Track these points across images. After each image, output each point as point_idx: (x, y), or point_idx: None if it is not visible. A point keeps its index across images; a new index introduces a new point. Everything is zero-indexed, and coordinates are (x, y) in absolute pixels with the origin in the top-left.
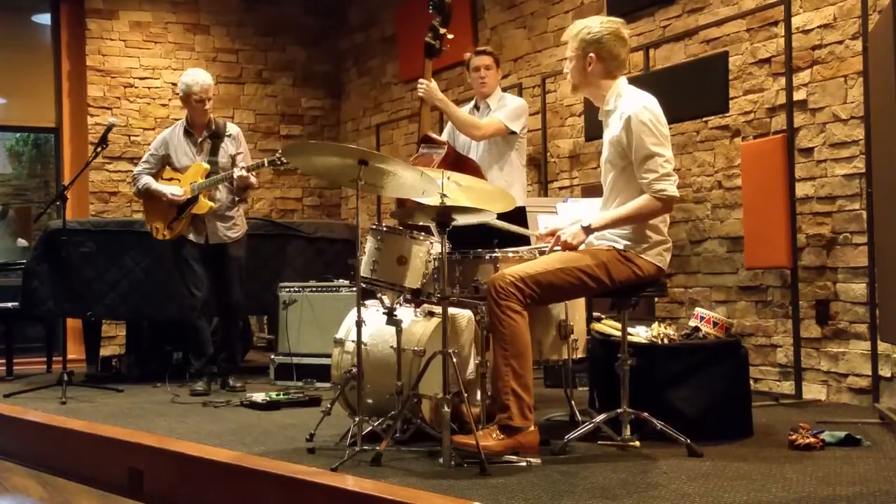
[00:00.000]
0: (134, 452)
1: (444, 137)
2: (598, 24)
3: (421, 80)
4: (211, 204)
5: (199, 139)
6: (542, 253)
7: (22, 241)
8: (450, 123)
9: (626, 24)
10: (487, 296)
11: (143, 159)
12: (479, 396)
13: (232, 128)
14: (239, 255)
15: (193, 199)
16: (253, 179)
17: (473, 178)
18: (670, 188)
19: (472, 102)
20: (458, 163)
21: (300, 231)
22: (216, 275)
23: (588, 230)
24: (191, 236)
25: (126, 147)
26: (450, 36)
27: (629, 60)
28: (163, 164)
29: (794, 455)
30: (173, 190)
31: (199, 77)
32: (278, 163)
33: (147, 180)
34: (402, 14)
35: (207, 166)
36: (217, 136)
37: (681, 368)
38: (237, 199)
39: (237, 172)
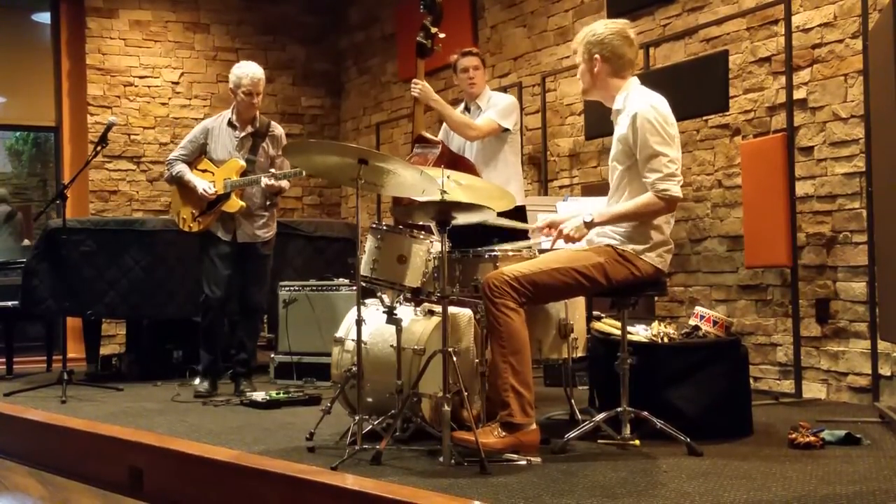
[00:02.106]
0: (134, 451)
1: (439, 138)
2: (602, 26)
3: (415, 81)
4: (242, 203)
5: (242, 134)
6: (541, 251)
7: (24, 241)
8: (445, 125)
9: (631, 25)
10: (483, 294)
11: (181, 145)
12: (478, 395)
13: (276, 128)
14: (267, 255)
15: (225, 196)
16: (284, 184)
17: (473, 176)
18: (674, 188)
19: (462, 105)
20: (453, 162)
21: (300, 230)
22: (242, 273)
23: (590, 225)
24: (219, 233)
25: (126, 146)
26: (441, 35)
27: (636, 59)
28: (199, 153)
29: (794, 454)
30: (206, 185)
31: (249, 70)
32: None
33: (181, 168)
34: (402, 13)
35: (244, 164)
36: (260, 135)
37: (681, 367)
38: (269, 202)
39: (264, 181)
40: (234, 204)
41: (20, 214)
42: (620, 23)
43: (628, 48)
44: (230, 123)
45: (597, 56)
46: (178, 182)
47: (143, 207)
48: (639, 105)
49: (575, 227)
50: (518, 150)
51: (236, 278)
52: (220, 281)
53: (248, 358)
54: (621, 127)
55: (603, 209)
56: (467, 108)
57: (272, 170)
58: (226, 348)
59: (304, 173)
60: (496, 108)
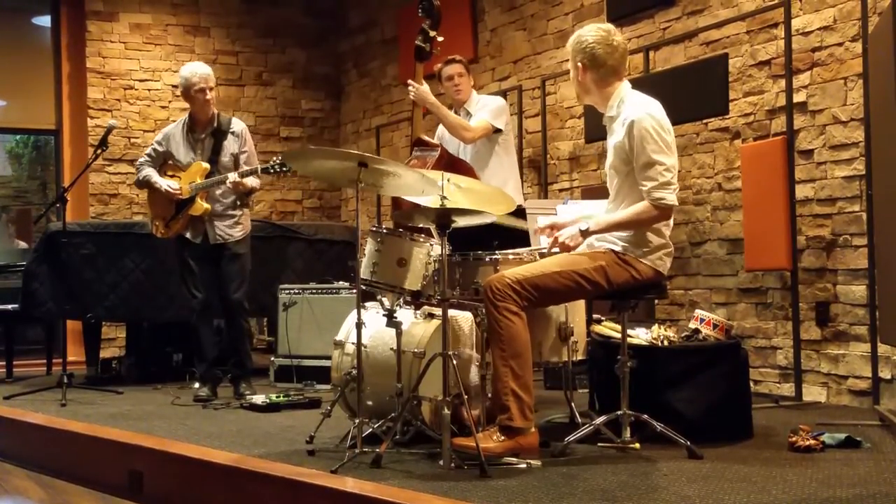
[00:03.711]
0: (134, 454)
1: (434, 141)
2: (587, 32)
3: (410, 82)
4: (207, 206)
5: (202, 136)
6: (542, 255)
7: (21, 244)
8: (440, 127)
9: (618, 31)
10: (484, 297)
11: (147, 151)
12: (477, 398)
13: (237, 124)
14: (241, 253)
15: (190, 200)
16: (254, 183)
17: (472, 179)
18: (669, 196)
19: (451, 111)
20: (451, 165)
21: (300, 233)
22: (219, 274)
23: (586, 233)
24: (188, 235)
25: (126, 149)
26: (440, 38)
27: (625, 65)
28: (164, 160)
29: (794, 457)
30: (170, 183)
31: (196, 68)
32: (271, 171)
33: (148, 172)
34: (402, 16)
35: (207, 166)
36: (220, 133)
37: (681, 370)
38: (239, 202)
39: (230, 179)
40: (199, 207)
41: (4, 216)
42: (605, 29)
43: (611, 55)
44: (189, 127)
45: (579, 64)
46: (147, 185)
47: (143, 210)
48: (635, 112)
49: (570, 235)
50: (512, 150)
51: (215, 278)
52: (200, 283)
53: (242, 358)
54: (617, 134)
55: (599, 218)
56: (457, 113)
57: (232, 172)
58: (221, 352)
59: (259, 170)
60: (487, 109)
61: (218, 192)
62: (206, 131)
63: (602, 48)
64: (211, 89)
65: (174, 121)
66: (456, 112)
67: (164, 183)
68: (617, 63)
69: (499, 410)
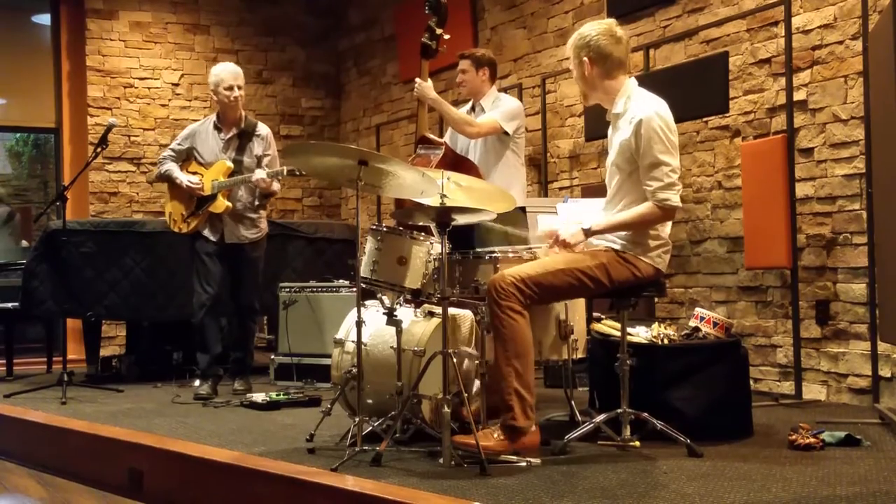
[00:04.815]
0: (134, 453)
1: (445, 139)
2: (589, 27)
3: (417, 80)
4: (228, 204)
5: (228, 135)
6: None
7: (23, 243)
8: (450, 127)
9: (619, 24)
10: (488, 297)
11: (170, 146)
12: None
13: (262, 128)
14: (256, 257)
15: (212, 197)
16: (276, 186)
17: (473, 178)
18: (674, 197)
19: (469, 104)
20: (456, 163)
21: (300, 231)
22: (232, 274)
23: (588, 232)
24: (206, 232)
25: (126, 147)
26: (446, 36)
27: (629, 58)
28: (187, 157)
29: (794, 455)
30: (191, 178)
31: (227, 66)
32: (297, 173)
33: (170, 166)
34: (401, 14)
35: (231, 165)
36: (246, 135)
37: (681, 368)
38: (258, 203)
39: (256, 176)
40: (220, 205)
41: (19, 215)
42: (608, 22)
43: (615, 47)
44: (215, 126)
45: (585, 59)
46: (168, 179)
47: (143, 209)
48: (643, 111)
49: (572, 234)
50: (521, 154)
51: (227, 277)
52: (212, 278)
53: (243, 356)
54: (623, 132)
55: (601, 218)
56: (473, 108)
57: (259, 169)
58: (223, 349)
59: (285, 172)
60: (500, 109)
61: (238, 192)
62: (232, 131)
63: (607, 40)
64: (240, 87)
65: (174, 119)
66: (473, 106)
67: (185, 178)
68: (622, 55)
69: (501, 410)
